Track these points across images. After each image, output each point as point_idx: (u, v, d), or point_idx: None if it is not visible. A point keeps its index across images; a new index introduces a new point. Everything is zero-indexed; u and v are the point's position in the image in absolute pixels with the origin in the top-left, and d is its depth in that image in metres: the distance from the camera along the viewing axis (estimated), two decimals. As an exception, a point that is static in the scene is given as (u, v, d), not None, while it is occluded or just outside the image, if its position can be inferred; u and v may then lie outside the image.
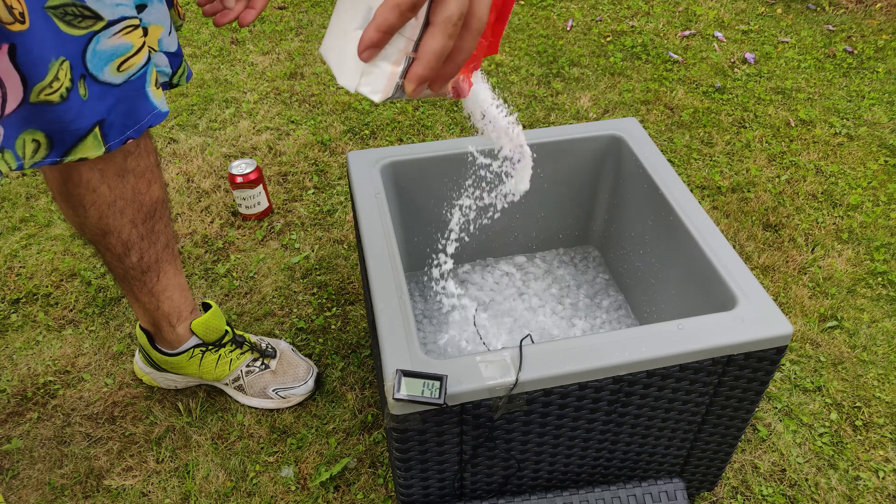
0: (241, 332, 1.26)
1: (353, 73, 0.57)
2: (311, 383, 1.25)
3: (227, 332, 1.22)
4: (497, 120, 0.76)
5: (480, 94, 0.74)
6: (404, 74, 0.56)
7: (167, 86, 0.95)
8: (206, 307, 1.20)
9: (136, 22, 0.78)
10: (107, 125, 0.79)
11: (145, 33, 0.82)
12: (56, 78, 0.72)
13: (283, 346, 1.29)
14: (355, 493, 1.13)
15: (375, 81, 0.57)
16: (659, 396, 0.88)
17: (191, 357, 1.20)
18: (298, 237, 1.59)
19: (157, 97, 0.83)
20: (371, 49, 0.54)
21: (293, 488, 1.14)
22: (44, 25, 0.71)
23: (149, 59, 0.81)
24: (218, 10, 0.83)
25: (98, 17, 0.75)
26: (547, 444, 0.91)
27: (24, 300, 1.45)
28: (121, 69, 0.78)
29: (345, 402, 1.26)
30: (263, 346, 1.26)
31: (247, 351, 1.24)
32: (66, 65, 0.73)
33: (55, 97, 0.73)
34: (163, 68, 0.92)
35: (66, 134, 0.76)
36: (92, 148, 0.78)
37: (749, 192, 1.70)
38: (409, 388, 0.76)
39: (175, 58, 0.93)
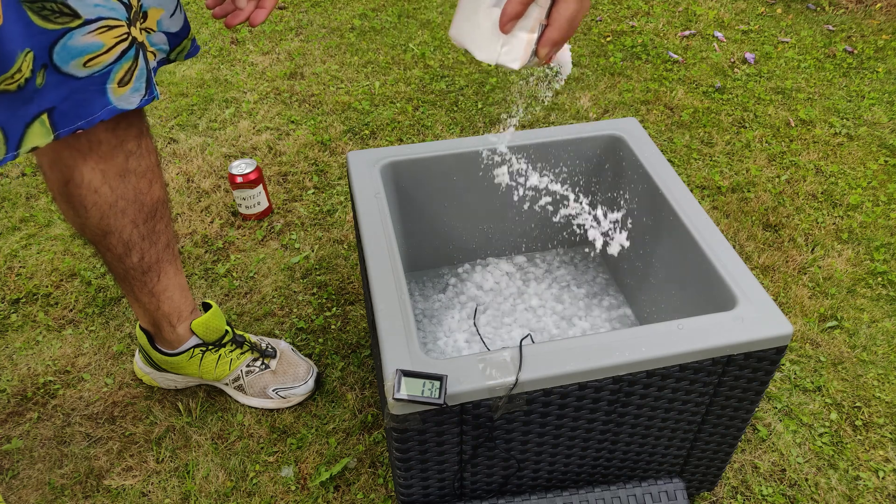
0: (241, 332, 1.26)
1: (492, 47, 0.64)
2: (311, 383, 1.25)
3: (227, 331, 1.22)
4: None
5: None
6: (537, 41, 0.63)
7: (165, 61, 0.95)
8: (207, 307, 1.21)
9: (113, 23, 0.79)
10: (57, 113, 0.80)
11: (132, 24, 0.82)
12: (19, 70, 0.73)
13: (283, 346, 1.29)
14: (355, 493, 1.13)
15: (515, 50, 0.64)
16: (659, 396, 0.88)
17: (191, 357, 1.20)
18: (298, 237, 1.59)
19: (117, 94, 0.84)
20: (513, 21, 0.62)
21: (293, 488, 1.14)
22: (15, 18, 0.71)
23: (118, 57, 0.81)
24: (229, 12, 0.83)
25: (76, 15, 0.75)
26: (547, 443, 0.91)
27: (24, 300, 1.45)
28: (86, 65, 0.79)
29: (345, 402, 1.26)
30: (263, 346, 1.26)
31: (247, 351, 1.24)
32: (31, 56, 0.74)
33: (13, 87, 0.73)
34: (161, 45, 0.92)
35: (12, 121, 0.76)
36: (40, 136, 0.79)
37: (749, 192, 1.70)
38: (409, 388, 0.76)
39: (176, 37, 0.94)
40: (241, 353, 1.23)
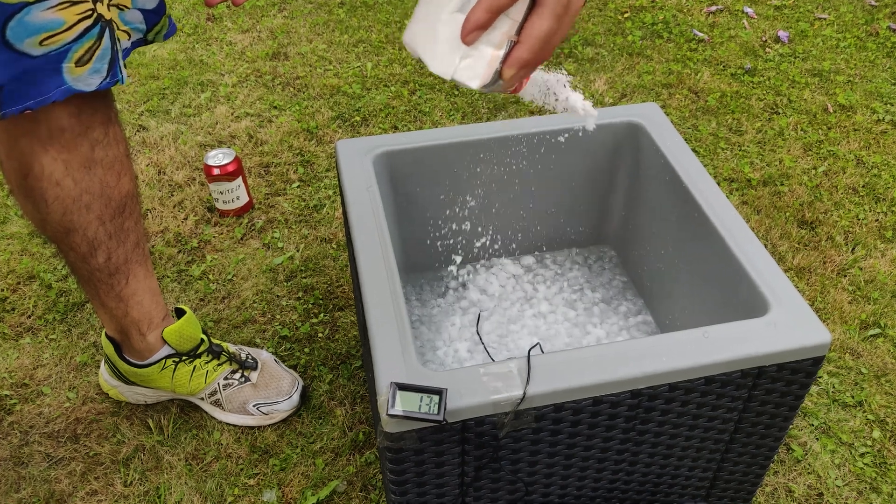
0: (218, 342, 1.26)
1: (449, 59, 0.60)
2: (295, 398, 1.25)
3: (202, 340, 1.22)
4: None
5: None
6: (503, 60, 0.59)
7: (141, 42, 0.95)
8: (180, 313, 1.21)
9: None
10: (5, 92, 0.81)
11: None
12: None
13: (264, 356, 1.29)
14: (345, 520, 1.13)
15: (476, 66, 0.60)
16: (682, 412, 0.88)
17: (162, 368, 1.20)
18: (282, 235, 1.59)
19: (73, 74, 0.84)
20: (476, 31, 0.58)
21: (276, 514, 1.14)
22: None
23: (80, 35, 0.82)
24: None
25: None
26: (558, 465, 0.91)
27: (-23, 305, 1.45)
28: (43, 43, 0.80)
29: (333, 419, 1.26)
30: (243, 356, 1.27)
31: (224, 362, 1.24)
32: None
33: None
34: (136, 24, 0.93)
35: None
36: None
37: (782, 185, 1.71)
38: (404, 403, 0.76)
39: (154, 14, 0.94)
40: (219, 365, 1.23)
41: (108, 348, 1.21)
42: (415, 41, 0.63)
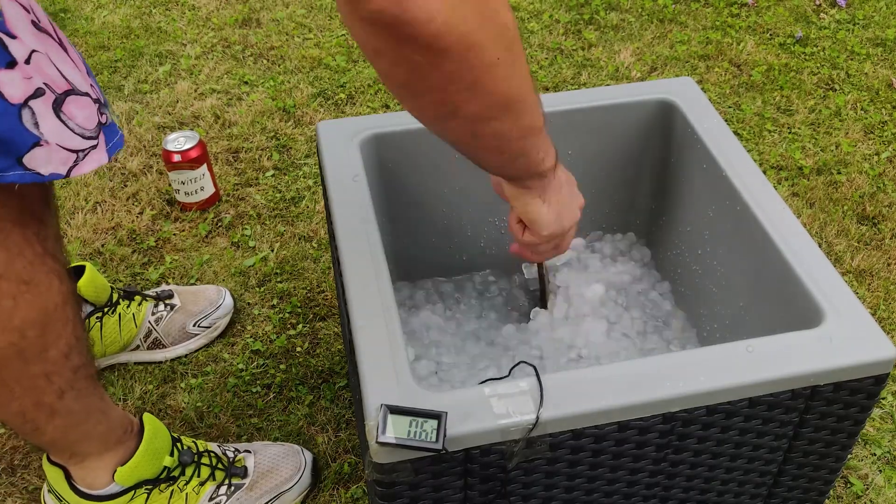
0: (190, 443, 1.14)
1: None
2: (306, 478, 1.17)
3: (174, 451, 1.09)
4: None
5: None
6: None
7: None
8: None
9: None
10: None
11: None
12: None
13: (256, 447, 1.20)
14: (328, 566, 1.13)
15: None
16: (722, 440, 0.88)
17: (131, 500, 1.09)
18: (253, 233, 1.59)
19: None
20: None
21: (247, 559, 1.14)
22: None
23: None
24: None
25: None
26: (577, 501, 0.91)
27: None
28: None
29: (314, 447, 1.26)
30: (230, 455, 1.16)
31: (207, 480, 1.12)
32: None
33: None
34: None
35: None
36: None
37: (839, 173, 1.71)
38: (397, 429, 0.76)
39: None
40: (201, 485, 1.12)
41: (54, 476, 1.09)
42: None
